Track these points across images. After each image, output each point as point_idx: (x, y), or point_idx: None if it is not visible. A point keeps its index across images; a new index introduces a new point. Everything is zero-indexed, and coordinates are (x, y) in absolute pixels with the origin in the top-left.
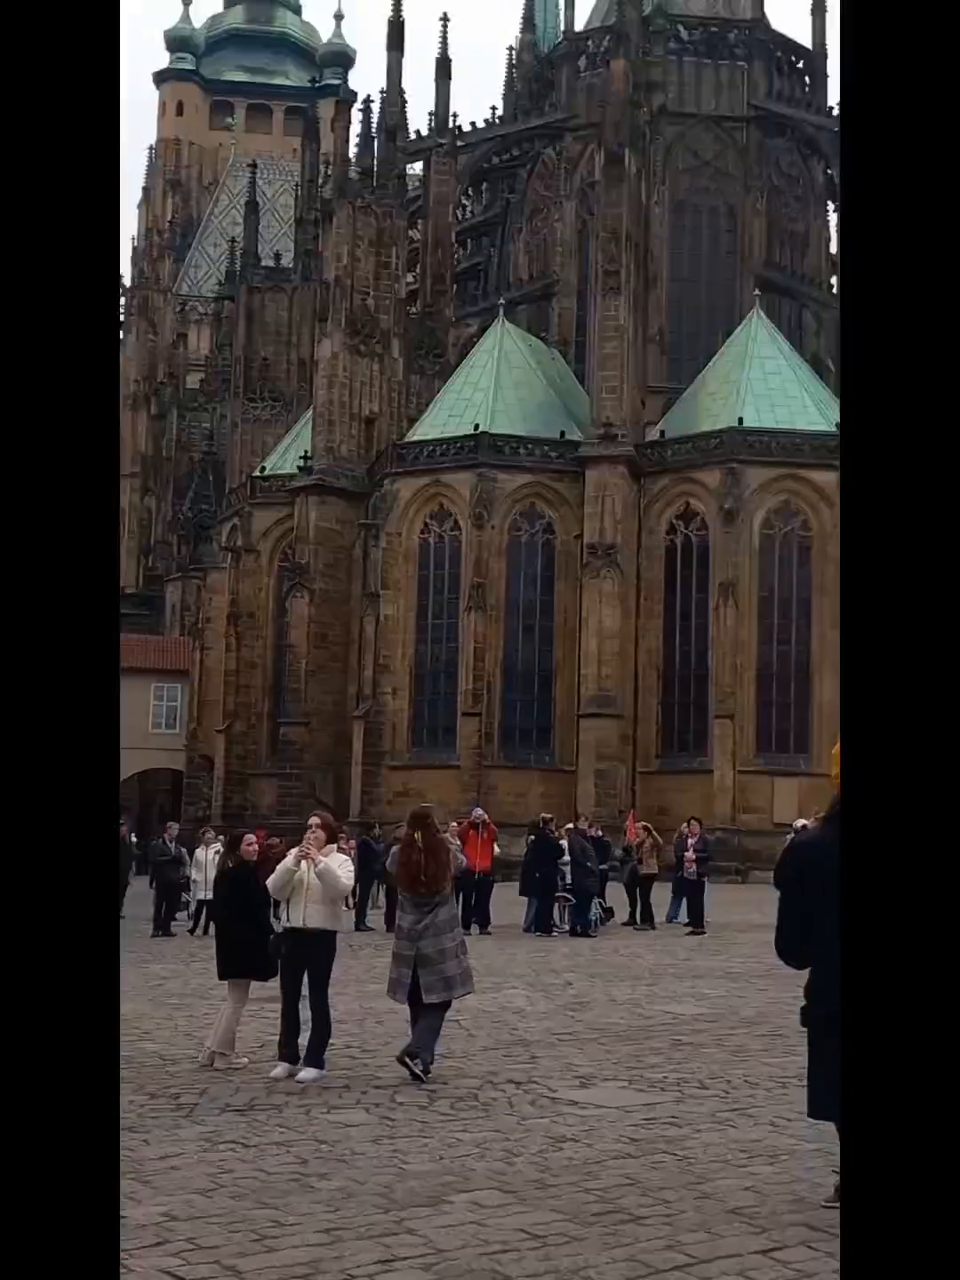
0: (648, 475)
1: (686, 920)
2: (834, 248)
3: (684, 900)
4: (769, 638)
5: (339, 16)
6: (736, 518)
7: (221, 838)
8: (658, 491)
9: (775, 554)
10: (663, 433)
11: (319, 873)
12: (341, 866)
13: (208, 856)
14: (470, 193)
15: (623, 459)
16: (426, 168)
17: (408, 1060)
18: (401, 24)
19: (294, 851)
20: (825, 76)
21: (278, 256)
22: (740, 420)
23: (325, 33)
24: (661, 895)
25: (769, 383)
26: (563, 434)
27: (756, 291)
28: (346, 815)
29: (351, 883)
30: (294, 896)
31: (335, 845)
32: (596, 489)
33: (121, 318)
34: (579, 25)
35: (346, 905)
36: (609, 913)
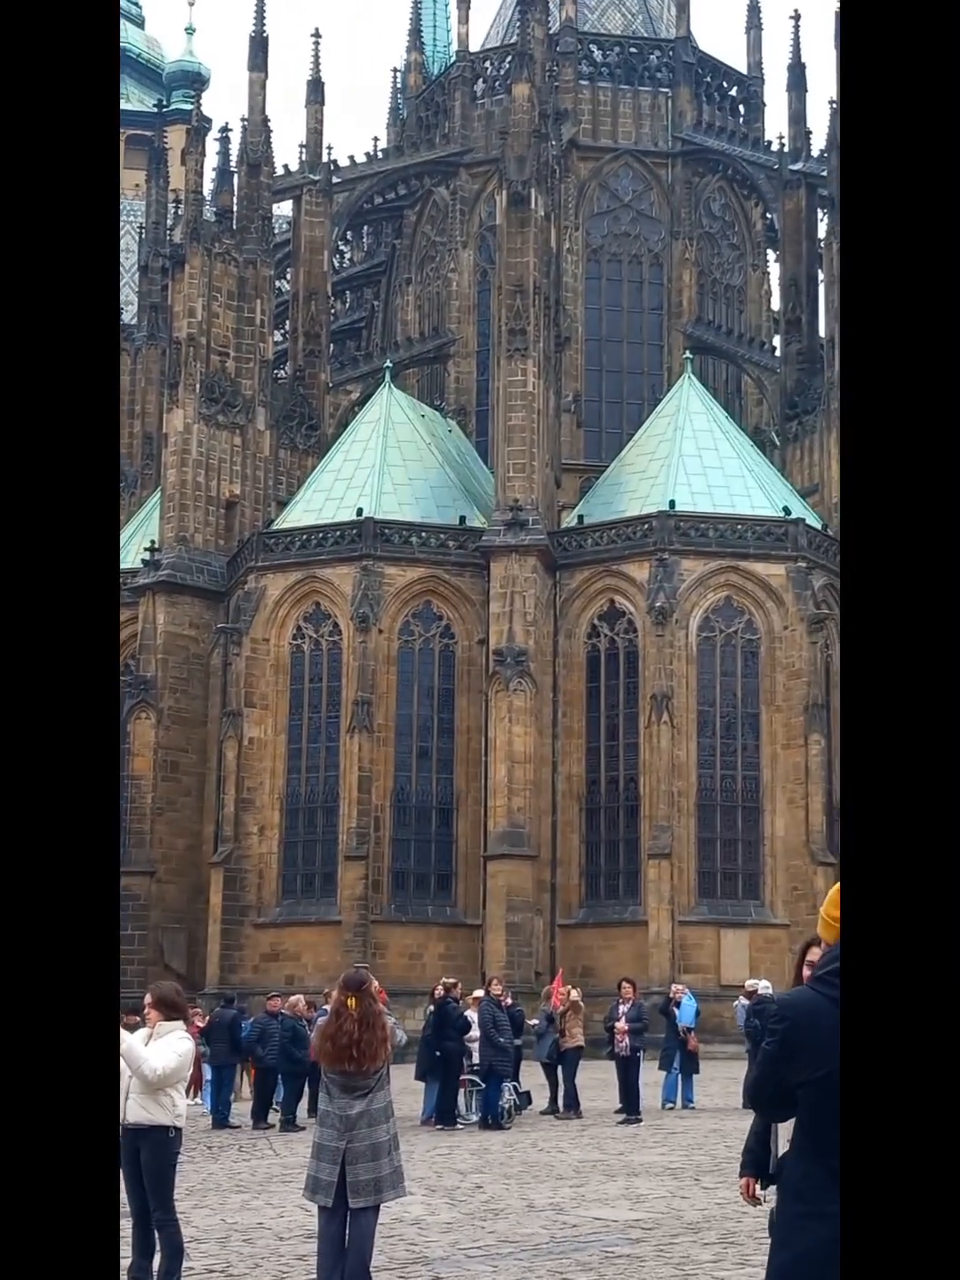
0: (564, 568)
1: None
2: (776, 303)
3: (679, 1078)
4: (711, 761)
5: (190, 30)
6: (670, 618)
7: None
8: (576, 587)
9: (716, 661)
10: (581, 518)
11: (121, 1053)
12: (169, 1047)
13: None
14: (349, 237)
15: (534, 549)
16: (296, 208)
17: None
18: (265, 40)
19: None
20: (762, 105)
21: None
22: (672, 503)
23: (174, 50)
24: (592, 1072)
25: (704, 459)
26: (462, 520)
27: (687, 353)
28: (201, 985)
29: (169, 1065)
30: (123, 1088)
31: (179, 1023)
32: (503, 584)
33: None
34: (475, 44)
35: (190, 1095)
36: (525, 1099)
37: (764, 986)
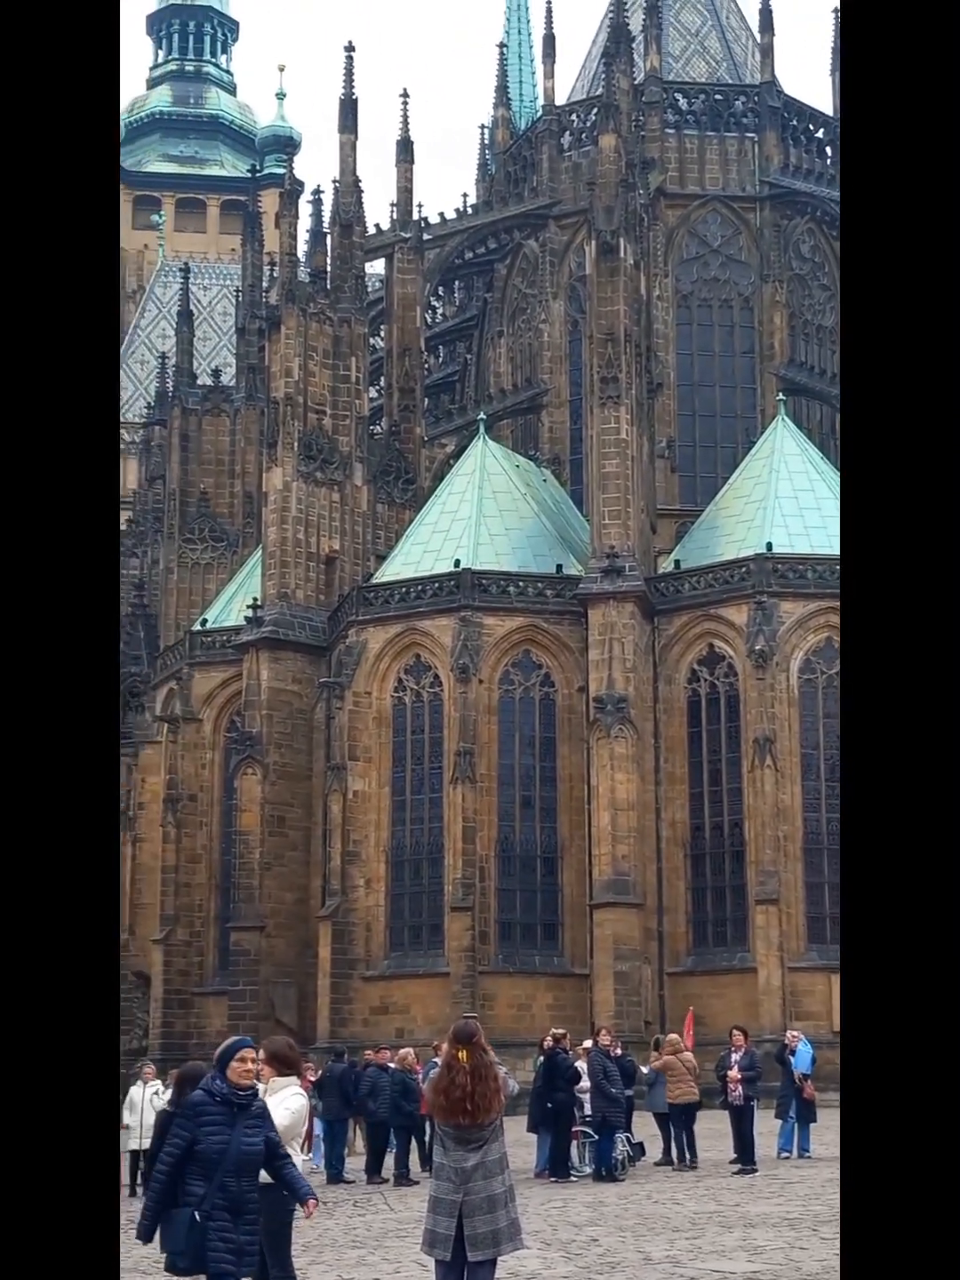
0: (662, 613)
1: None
2: None
3: (795, 1127)
4: (816, 803)
5: (281, 95)
6: (770, 661)
7: (161, 1074)
8: (675, 632)
9: (818, 702)
10: (678, 563)
11: None
12: (281, 1103)
13: (144, 1097)
14: (440, 293)
15: (631, 595)
16: (388, 266)
17: None
18: (355, 102)
19: None
20: None
21: (216, 373)
22: (769, 545)
23: (265, 115)
24: (706, 1122)
25: (800, 501)
26: (559, 568)
27: (780, 395)
28: (312, 1039)
29: (283, 1122)
30: None
31: (292, 1078)
32: (602, 631)
33: None
34: (561, 98)
35: (303, 1149)
36: (638, 1150)
37: None
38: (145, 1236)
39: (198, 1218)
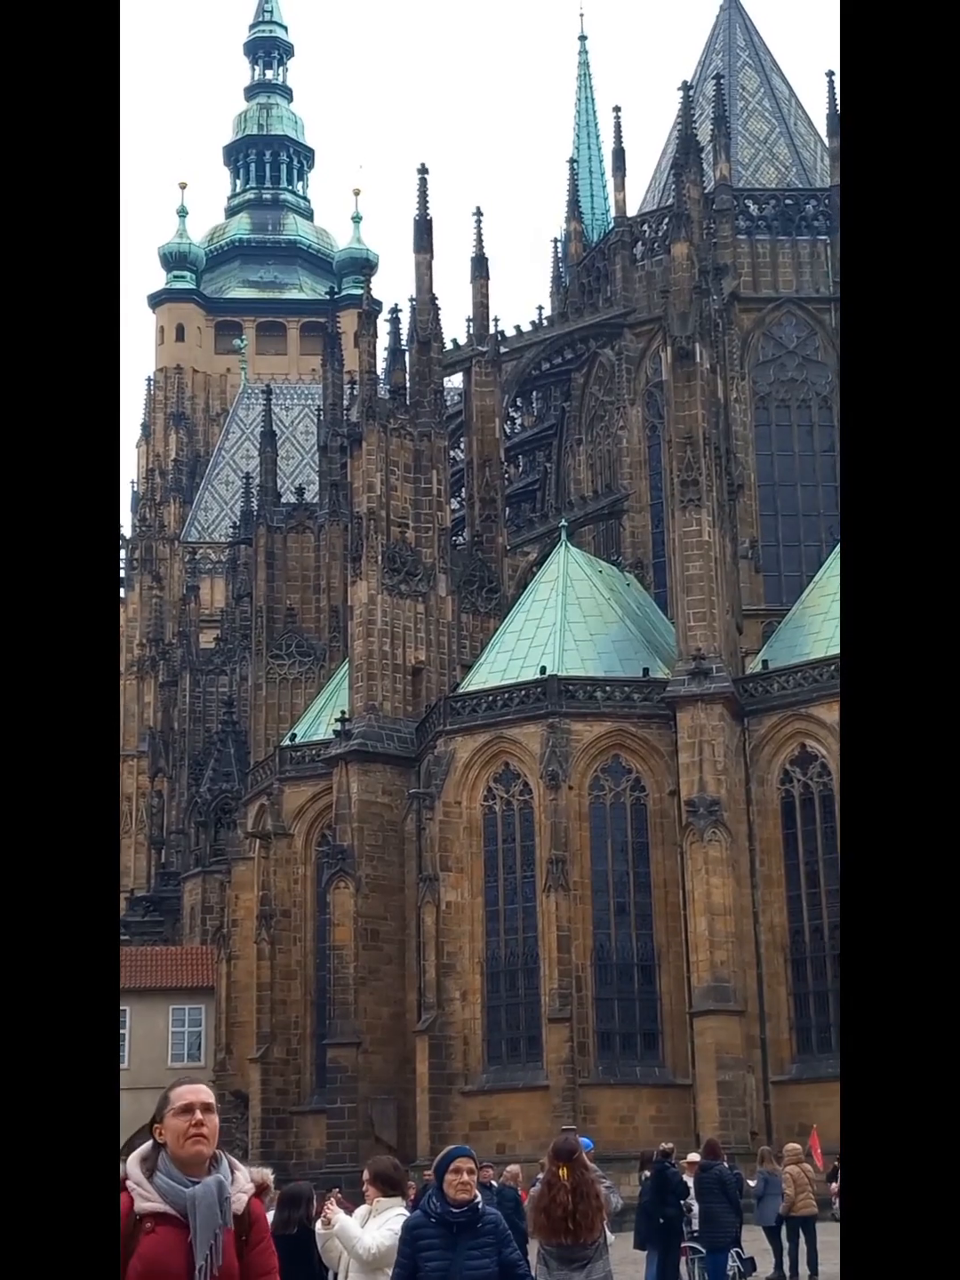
0: (752, 714)
1: None
2: None
3: None
4: None
5: (357, 219)
6: None
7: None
8: (766, 733)
9: None
10: (766, 663)
11: (336, 1233)
12: (384, 1225)
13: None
14: (519, 404)
15: (720, 697)
16: (467, 379)
17: None
18: (429, 222)
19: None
20: None
21: (300, 491)
22: None
23: (342, 238)
24: (822, 1236)
25: None
26: (646, 672)
27: None
28: (412, 1157)
29: (383, 1244)
30: (342, 1268)
31: (398, 1199)
32: (691, 734)
33: (122, 573)
34: (633, 209)
35: None
36: (749, 1265)
37: None
38: None
39: None
